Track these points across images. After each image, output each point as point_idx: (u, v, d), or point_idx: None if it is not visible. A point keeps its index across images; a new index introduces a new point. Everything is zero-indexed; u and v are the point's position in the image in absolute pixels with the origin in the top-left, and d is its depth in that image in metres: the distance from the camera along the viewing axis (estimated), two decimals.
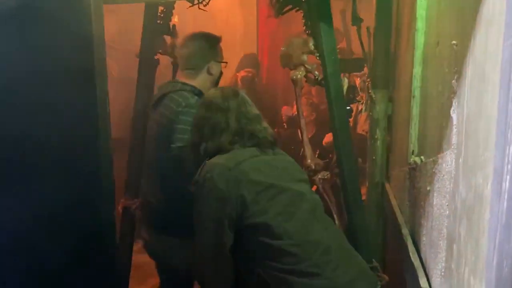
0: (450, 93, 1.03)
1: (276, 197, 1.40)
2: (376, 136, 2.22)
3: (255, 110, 1.58)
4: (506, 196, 0.62)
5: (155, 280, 3.02)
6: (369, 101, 2.28)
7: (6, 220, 1.36)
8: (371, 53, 2.26)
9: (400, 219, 1.73)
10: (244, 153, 1.47)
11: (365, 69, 2.59)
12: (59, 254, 1.55)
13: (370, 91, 2.22)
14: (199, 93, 1.92)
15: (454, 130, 0.98)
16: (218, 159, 1.45)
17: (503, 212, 0.63)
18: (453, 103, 1.00)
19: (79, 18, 1.48)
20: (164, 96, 1.95)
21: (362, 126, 2.99)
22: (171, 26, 2.37)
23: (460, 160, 0.92)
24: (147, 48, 2.31)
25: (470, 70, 0.88)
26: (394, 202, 1.95)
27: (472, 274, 0.79)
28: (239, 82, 3.49)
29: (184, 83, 1.96)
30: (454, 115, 0.99)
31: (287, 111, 3.52)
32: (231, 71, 3.43)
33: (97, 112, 1.72)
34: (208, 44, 2.01)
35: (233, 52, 3.69)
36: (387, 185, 2.22)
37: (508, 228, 0.61)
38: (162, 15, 2.31)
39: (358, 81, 2.92)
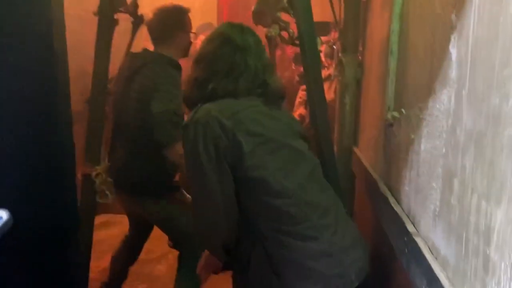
0: (446, 31, 1.02)
1: (276, 152, 1.28)
2: (345, 101, 2.23)
3: (268, 56, 1.42)
4: None
5: None
6: (338, 66, 2.28)
7: None
8: (341, 17, 2.26)
9: (375, 176, 1.74)
10: (245, 102, 1.31)
11: (332, 35, 2.59)
12: (14, 228, 1.42)
13: (340, 55, 2.22)
14: (176, 66, 2.10)
15: (454, 65, 0.97)
16: (214, 105, 1.28)
17: None
18: (452, 39, 0.99)
19: None
20: (143, 66, 2.06)
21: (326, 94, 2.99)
22: None
23: (463, 92, 0.91)
24: (107, 5, 2.16)
25: None
26: (366, 163, 1.96)
27: (484, 198, 0.79)
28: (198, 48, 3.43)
29: (161, 54, 2.10)
30: (453, 50, 0.98)
31: None
32: None
33: (56, 77, 1.61)
34: (176, 16, 2.15)
35: (193, 20, 3.57)
36: (355, 150, 2.24)
37: None
38: None
39: (323, 48, 2.91)
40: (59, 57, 1.62)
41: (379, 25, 1.85)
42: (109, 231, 3.48)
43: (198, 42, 3.47)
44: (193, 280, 2.26)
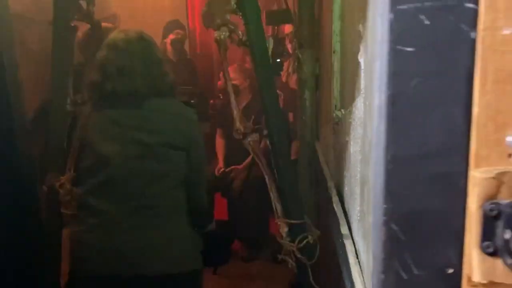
0: (358, 40, 1.04)
1: (87, 157, 1.56)
2: (304, 96, 2.24)
3: (159, 54, 1.65)
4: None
5: None
6: (296, 62, 2.29)
7: None
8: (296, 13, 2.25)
9: (327, 173, 1.77)
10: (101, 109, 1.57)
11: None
12: None
13: (296, 51, 2.22)
14: None
15: (362, 75, 0.99)
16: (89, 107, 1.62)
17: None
18: (360, 48, 1.01)
19: None
20: None
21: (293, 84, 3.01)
22: None
23: (367, 103, 0.93)
24: (61, 14, 2.15)
25: (370, 12, 0.88)
26: (322, 158, 1.99)
27: (367, 212, 0.81)
28: (169, 47, 3.42)
29: None
30: (361, 60, 1.00)
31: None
32: (157, 39, 3.33)
33: (7, 87, 1.64)
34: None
35: (161, 17, 3.56)
36: (317, 144, 2.26)
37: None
38: None
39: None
40: (8, 65, 1.65)
41: (326, 23, 1.85)
42: None
43: (167, 41, 3.47)
44: None
